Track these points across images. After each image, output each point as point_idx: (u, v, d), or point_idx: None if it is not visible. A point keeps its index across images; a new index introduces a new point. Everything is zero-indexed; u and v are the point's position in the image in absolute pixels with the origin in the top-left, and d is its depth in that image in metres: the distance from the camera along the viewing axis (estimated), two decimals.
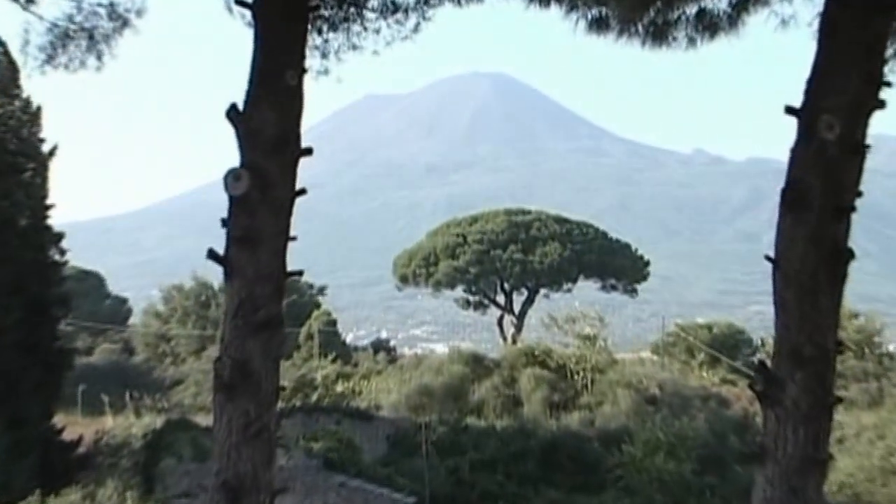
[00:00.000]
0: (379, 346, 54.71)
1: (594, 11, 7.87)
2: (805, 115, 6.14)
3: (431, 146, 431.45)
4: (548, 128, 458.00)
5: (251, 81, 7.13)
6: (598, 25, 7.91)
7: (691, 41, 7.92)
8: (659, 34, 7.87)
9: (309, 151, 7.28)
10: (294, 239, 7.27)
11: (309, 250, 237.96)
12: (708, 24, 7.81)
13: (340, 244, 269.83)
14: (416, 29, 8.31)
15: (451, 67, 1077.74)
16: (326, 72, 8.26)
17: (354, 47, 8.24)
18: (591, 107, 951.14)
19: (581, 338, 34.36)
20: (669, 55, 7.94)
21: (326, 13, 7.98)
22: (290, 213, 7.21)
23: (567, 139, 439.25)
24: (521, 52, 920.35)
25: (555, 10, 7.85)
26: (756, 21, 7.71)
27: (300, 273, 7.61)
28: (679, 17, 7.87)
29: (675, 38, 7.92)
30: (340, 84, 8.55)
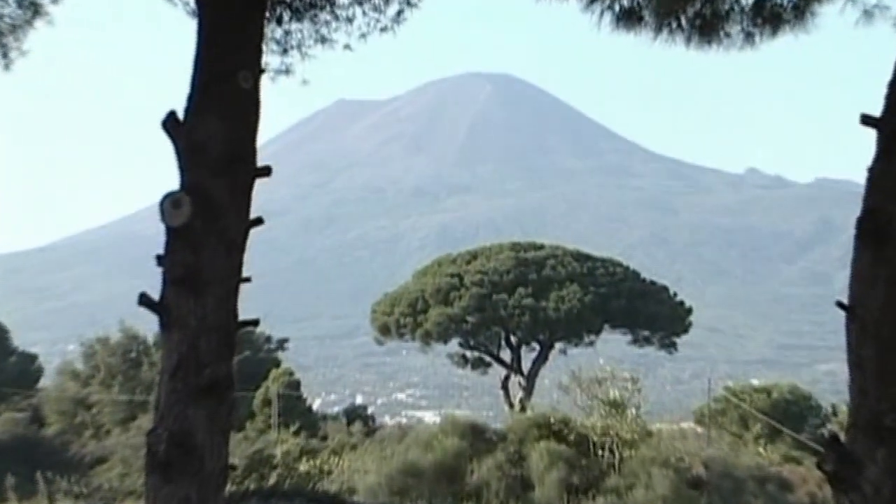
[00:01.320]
0: (354, 415, 54.48)
1: (624, 2, 7.83)
2: (886, 126, 6.05)
3: (419, 164, 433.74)
4: (564, 141, 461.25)
5: (194, 84, 7.12)
6: (629, 20, 7.86)
7: (748, 37, 7.89)
8: (707, 29, 7.81)
9: (267, 171, 7.27)
10: (248, 280, 7.25)
11: (267, 294, 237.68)
12: (769, 16, 7.77)
13: (306, 287, 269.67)
14: (398, 17, 8.30)
15: (444, 67, 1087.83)
16: (288, 71, 8.29)
17: (323, 40, 8.26)
18: (617, 115, 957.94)
19: (607, 404, 34.23)
20: (719, 54, 7.81)
21: None
22: (242, 248, 7.21)
23: (588, 156, 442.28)
24: (529, 49, 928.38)
25: (573, 1, 7.75)
26: (829, 12, 7.64)
27: (255, 323, 7.58)
28: (732, 8, 7.84)
29: (727, 34, 7.87)
30: (307, 87, 8.56)
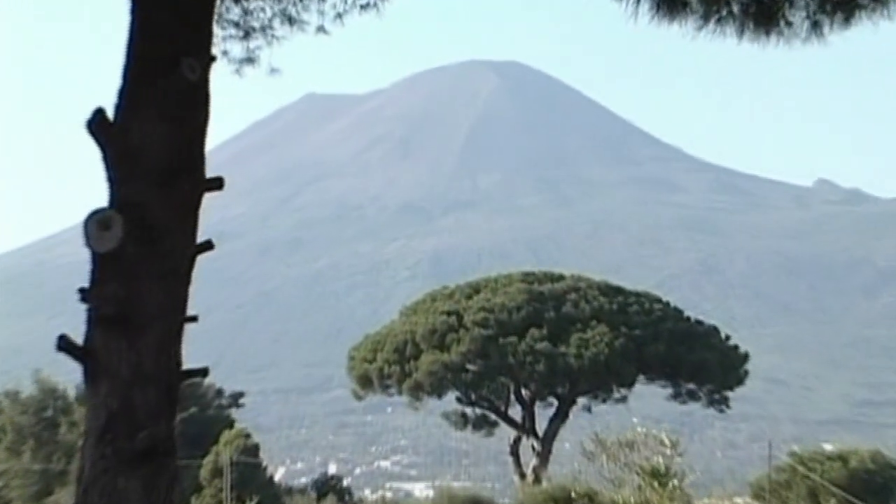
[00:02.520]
0: (326, 487, 54.31)
1: None
2: None
3: (407, 174, 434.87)
4: (588, 146, 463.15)
5: (127, 76, 7.11)
6: (671, 9, 7.91)
7: (815, 26, 7.94)
8: (765, 18, 7.81)
9: (218, 183, 7.25)
10: (194, 319, 7.24)
11: (218, 337, 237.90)
12: (841, 1, 7.82)
13: (267, 327, 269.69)
14: None
15: (438, 54, 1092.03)
16: (251, 59, 8.40)
17: (291, 20, 8.31)
18: (654, 114, 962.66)
19: (643, 473, 34.21)
20: (779, 47, 7.76)
21: None
22: (188, 279, 7.19)
23: (618, 163, 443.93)
24: (542, 32, 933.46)
25: None
26: None
27: (204, 372, 7.57)
28: None
29: (788, 24, 7.92)
30: (270, 79, 8.66)
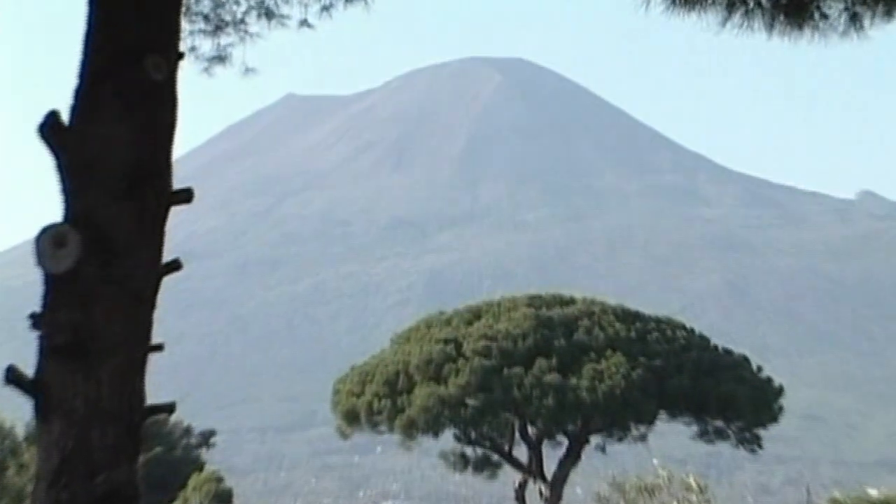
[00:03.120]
0: None
1: None
2: None
3: (400, 185, 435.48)
4: (602, 152, 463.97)
5: (84, 74, 7.10)
6: (688, 1, 7.81)
7: (854, 19, 7.84)
8: (798, 10, 7.72)
9: (188, 196, 7.23)
10: (160, 348, 7.20)
11: (188, 368, 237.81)
12: None
13: (242, 357, 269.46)
14: None
15: (435, 50, 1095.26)
16: (223, 57, 8.44)
17: (269, 14, 8.35)
18: (675, 117, 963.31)
19: None
20: (814, 43, 7.65)
21: None
22: (152, 303, 7.16)
23: (637, 172, 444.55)
24: (548, 28, 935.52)
25: None
26: None
27: (170, 408, 7.54)
28: None
29: (824, 16, 7.84)
30: (245, 79, 8.69)
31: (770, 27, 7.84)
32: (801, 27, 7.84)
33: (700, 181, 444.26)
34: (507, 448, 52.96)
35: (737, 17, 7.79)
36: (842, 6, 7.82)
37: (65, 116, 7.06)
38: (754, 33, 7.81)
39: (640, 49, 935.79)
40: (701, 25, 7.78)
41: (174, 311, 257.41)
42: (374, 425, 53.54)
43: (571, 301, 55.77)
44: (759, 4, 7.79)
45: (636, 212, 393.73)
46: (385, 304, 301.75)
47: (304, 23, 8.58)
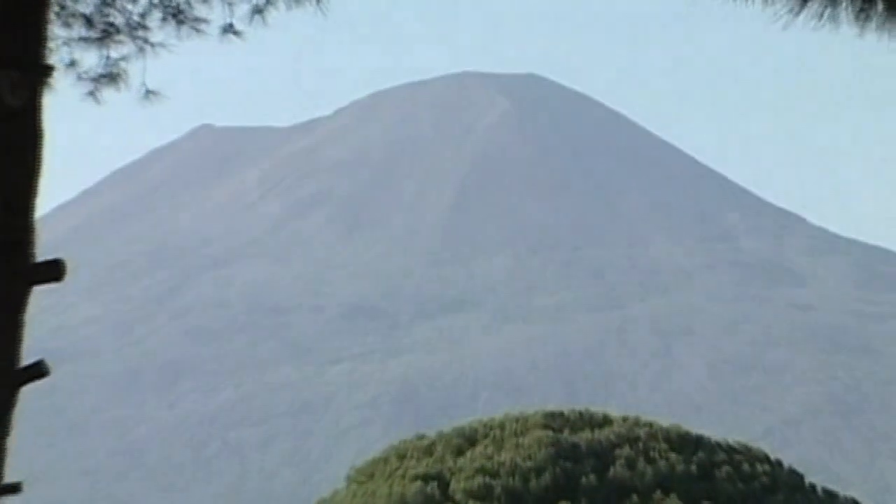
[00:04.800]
0: None
1: None
2: None
3: (360, 257, 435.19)
4: (652, 208, 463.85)
5: None
6: None
7: None
8: None
9: (57, 271, 7.30)
10: (15, 490, 7.24)
11: None
12: None
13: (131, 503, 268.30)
14: None
15: (416, 61, 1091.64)
16: (112, 76, 8.50)
17: (178, 17, 8.36)
18: (755, 164, 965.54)
19: None
20: None
21: None
22: (6, 423, 7.21)
23: (701, 238, 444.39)
24: (572, 37, 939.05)
25: None
26: None
27: (15, 489, 7.59)
28: None
29: None
30: (145, 105, 8.81)
31: (862, 20, 7.73)
32: None
33: (791, 250, 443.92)
34: None
35: (814, 6, 7.65)
36: None
37: None
38: (838, 28, 7.68)
39: (700, 65, 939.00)
40: (764, 19, 7.75)
41: (37, 436, 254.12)
42: None
43: (606, 421, 55.83)
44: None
45: (699, 293, 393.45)
46: (339, 427, 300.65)
47: (228, 29, 8.68)
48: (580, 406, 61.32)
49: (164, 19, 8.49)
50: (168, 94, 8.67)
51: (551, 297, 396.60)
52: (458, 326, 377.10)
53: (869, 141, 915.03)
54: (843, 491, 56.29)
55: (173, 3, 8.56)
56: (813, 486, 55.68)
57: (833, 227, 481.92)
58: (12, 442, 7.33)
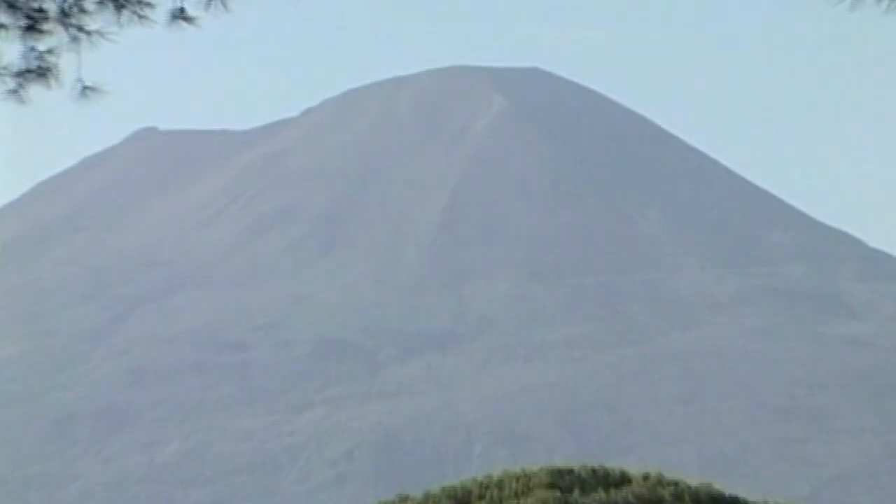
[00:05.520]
0: None
1: None
2: None
3: (333, 284, 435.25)
4: (675, 226, 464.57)
5: None
6: None
7: None
8: None
9: None
10: None
11: None
12: None
13: None
14: None
15: (398, 54, 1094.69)
16: (40, 72, 8.52)
17: (117, 1, 8.39)
18: (802, 174, 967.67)
19: None
20: None
21: None
22: None
23: (737, 262, 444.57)
24: (584, 23, 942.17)
25: None
26: None
27: None
28: None
29: None
30: (81, 105, 8.67)
31: None
32: None
33: (844, 277, 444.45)
34: None
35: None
36: None
37: None
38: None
39: (739, 60, 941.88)
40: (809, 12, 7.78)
41: None
42: None
43: (623, 480, 55.63)
44: None
45: (734, 328, 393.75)
46: (308, 485, 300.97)
47: (178, 14, 8.63)
48: (592, 461, 61.33)
49: (101, 3, 8.41)
50: (109, 91, 8.60)
51: (558, 332, 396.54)
52: (448, 365, 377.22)
53: None
54: None
55: None
56: None
57: (891, 249, 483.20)
58: None
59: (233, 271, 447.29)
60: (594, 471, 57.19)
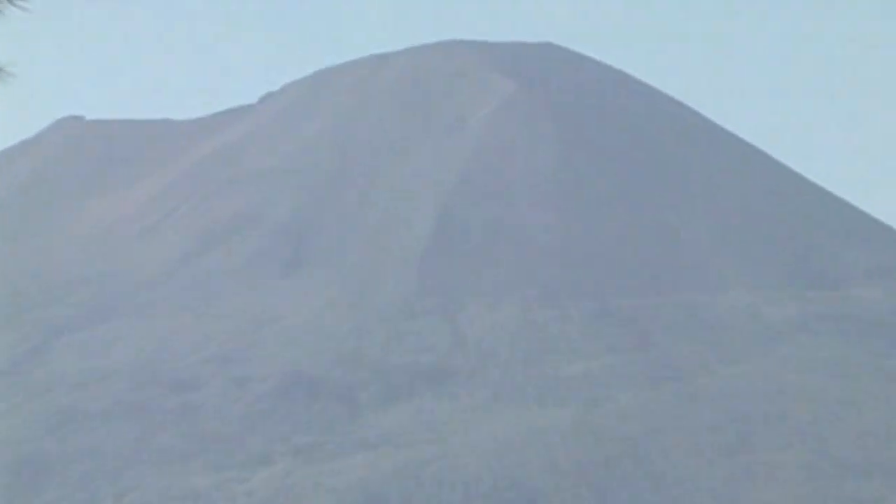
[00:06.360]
0: None
1: None
2: None
3: (301, 308, 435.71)
4: (719, 236, 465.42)
5: None
6: None
7: None
8: None
9: None
10: None
11: None
12: None
13: None
14: None
15: (381, 29, 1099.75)
16: None
17: None
18: (875, 173, 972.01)
19: None
20: None
21: None
22: None
23: (795, 283, 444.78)
24: None
25: None
26: None
27: None
28: None
29: None
30: None
31: None
32: None
33: None
34: None
35: None
36: None
37: None
38: None
39: (797, 38, 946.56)
40: None
41: None
42: None
43: None
44: None
45: (791, 362, 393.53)
46: None
47: None
48: None
49: None
50: (19, 74, 6.51)
51: (575, 366, 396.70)
52: (442, 408, 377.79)
53: None
54: None
55: None
56: None
57: None
58: None
59: (177, 292, 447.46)
60: None
